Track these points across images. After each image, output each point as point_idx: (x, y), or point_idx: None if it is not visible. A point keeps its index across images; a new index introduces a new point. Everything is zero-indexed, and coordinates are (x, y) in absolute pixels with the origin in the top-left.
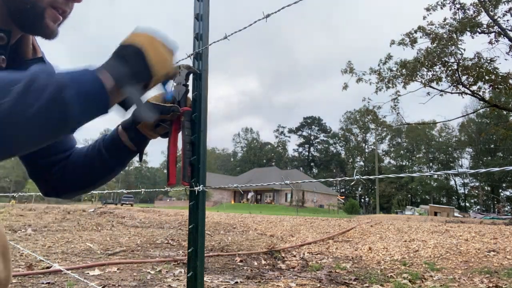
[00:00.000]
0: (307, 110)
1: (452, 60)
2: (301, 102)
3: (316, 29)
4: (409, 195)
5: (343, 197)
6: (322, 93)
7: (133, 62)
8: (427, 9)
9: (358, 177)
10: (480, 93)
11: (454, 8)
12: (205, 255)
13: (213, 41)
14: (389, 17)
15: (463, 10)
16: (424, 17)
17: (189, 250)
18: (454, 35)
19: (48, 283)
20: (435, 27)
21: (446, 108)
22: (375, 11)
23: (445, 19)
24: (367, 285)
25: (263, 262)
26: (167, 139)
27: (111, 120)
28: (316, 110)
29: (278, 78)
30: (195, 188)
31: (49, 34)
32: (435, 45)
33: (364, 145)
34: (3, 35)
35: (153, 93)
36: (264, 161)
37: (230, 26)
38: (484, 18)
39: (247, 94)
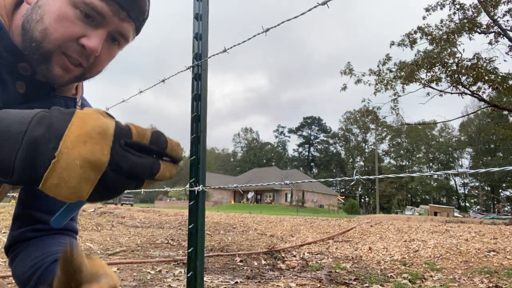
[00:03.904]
0: (313, 109)
1: (451, 60)
2: (308, 100)
3: (329, 25)
4: (409, 195)
5: (343, 197)
6: (331, 91)
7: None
8: (427, 10)
9: (358, 177)
10: (480, 93)
11: (454, 9)
12: (205, 255)
13: (214, 42)
14: (405, 14)
15: (462, 11)
16: (424, 18)
17: (189, 250)
18: (453, 36)
19: None
20: (433, 29)
21: (446, 108)
22: (388, 9)
23: (442, 21)
24: (367, 285)
25: (263, 262)
26: None
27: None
28: (321, 110)
29: (287, 75)
30: (195, 188)
31: (52, 79)
32: (433, 47)
33: (364, 145)
34: (26, 65)
35: None
36: (264, 161)
37: (230, 26)
38: (484, 19)
39: (254, 90)
